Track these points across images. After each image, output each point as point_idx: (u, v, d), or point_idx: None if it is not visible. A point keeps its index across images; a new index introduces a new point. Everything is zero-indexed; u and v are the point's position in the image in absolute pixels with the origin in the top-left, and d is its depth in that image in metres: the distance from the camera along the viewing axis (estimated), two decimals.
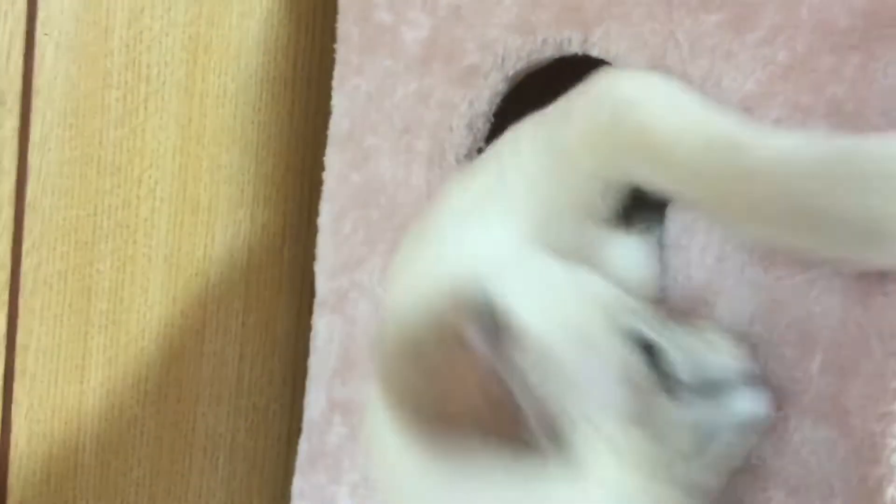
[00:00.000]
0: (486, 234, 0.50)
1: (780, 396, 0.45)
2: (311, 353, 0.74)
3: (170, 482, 0.72)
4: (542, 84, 0.64)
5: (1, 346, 0.61)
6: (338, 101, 0.72)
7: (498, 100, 0.64)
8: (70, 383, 0.65)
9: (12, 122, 0.59)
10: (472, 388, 0.40)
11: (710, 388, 0.43)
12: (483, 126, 0.65)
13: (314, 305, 0.73)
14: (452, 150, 0.66)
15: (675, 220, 0.50)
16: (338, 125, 0.72)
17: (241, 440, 0.76)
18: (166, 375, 0.70)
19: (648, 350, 0.43)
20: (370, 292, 0.70)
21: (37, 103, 0.60)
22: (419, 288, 0.47)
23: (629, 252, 0.50)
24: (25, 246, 0.61)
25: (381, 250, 0.69)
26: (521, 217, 0.50)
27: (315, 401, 0.74)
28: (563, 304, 0.44)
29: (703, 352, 0.44)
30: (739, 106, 0.47)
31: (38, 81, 0.60)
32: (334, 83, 0.73)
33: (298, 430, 0.74)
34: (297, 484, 0.75)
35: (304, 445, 0.74)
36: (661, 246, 0.50)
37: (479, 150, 0.65)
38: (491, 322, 0.41)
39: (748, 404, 0.44)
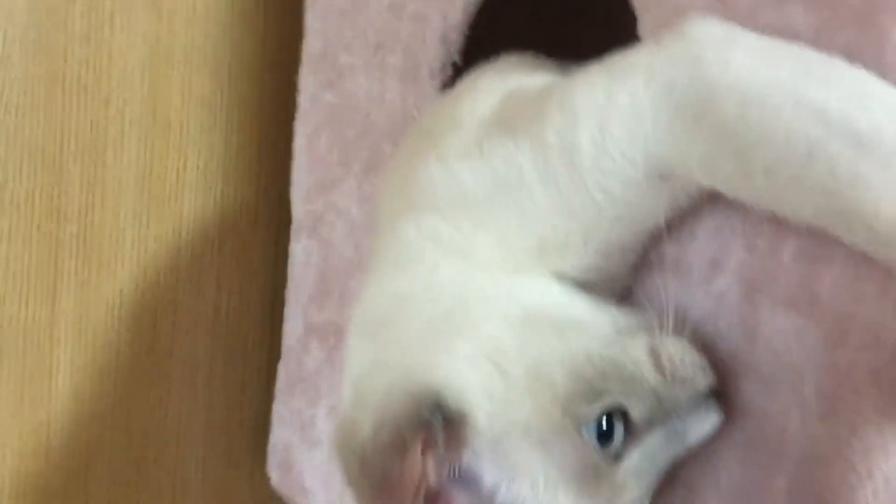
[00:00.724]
0: (467, 274, 0.47)
1: (750, 290, 0.45)
2: (288, 279, 0.74)
3: (147, 407, 0.72)
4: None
5: None
6: (310, 20, 0.72)
7: (472, 10, 0.63)
8: (41, 305, 0.64)
9: None
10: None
11: (670, 418, 0.44)
12: (457, 38, 0.64)
13: (291, 231, 0.73)
14: (426, 65, 0.65)
15: None
16: (310, 44, 0.72)
17: (220, 368, 0.76)
18: (140, 302, 0.70)
19: (607, 417, 0.43)
20: (346, 214, 0.69)
21: None
22: (385, 375, 0.45)
23: None
24: None
25: (357, 171, 0.69)
26: (522, 220, 0.46)
27: (293, 327, 0.74)
28: (516, 403, 0.43)
29: (672, 386, 0.44)
30: None
31: None
32: (307, 2, 0.72)
33: (277, 360, 0.74)
34: (277, 409, 0.75)
35: (282, 371, 0.75)
36: None
37: (454, 64, 0.64)
38: (441, 433, 0.41)
39: (702, 428, 0.44)
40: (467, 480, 0.42)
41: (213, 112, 0.72)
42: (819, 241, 0.42)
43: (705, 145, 0.41)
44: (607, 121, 0.44)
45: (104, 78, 0.65)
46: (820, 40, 0.42)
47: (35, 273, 0.64)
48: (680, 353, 0.44)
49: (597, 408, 0.42)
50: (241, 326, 0.76)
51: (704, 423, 0.44)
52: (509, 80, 0.54)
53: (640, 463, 0.43)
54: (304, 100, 0.72)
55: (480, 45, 0.64)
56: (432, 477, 0.40)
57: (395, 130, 0.66)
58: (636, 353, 0.43)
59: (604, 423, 0.43)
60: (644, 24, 0.50)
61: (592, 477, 0.42)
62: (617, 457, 0.43)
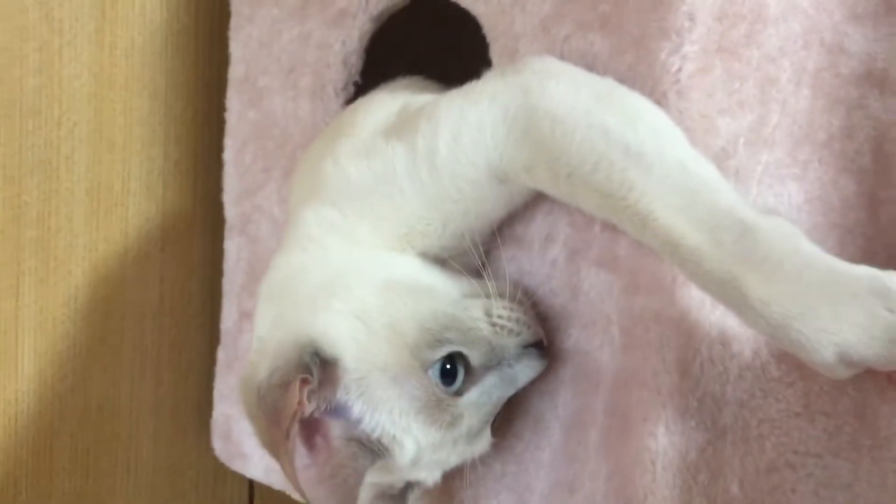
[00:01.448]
0: (349, 251, 0.58)
1: (573, 255, 0.57)
2: (223, 274, 0.84)
3: (102, 388, 0.81)
4: (404, 22, 0.75)
5: None
6: (234, 49, 0.82)
7: (367, 38, 0.74)
8: (6, 300, 0.74)
9: None
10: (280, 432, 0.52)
11: (502, 364, 0.55)
12: (356, 61, 0.75)
13: (224, 230, 0.83)
14: (331, 84, 0.75)
15: None
16: (235, 70, 0.82)
17: (166, 353, 0.85)
18: (93, 295, 0.80)
19: (448, 361, 0.55)
20: (269, 213, 0.80)
21: None
22: (280, 329, 0.57)
23: None
24: None
25: (277, 176, 0.79)
26: (393, 207, 0.57)
27: (228, 313, 0.84)
28: (376, 349, 0.54)
29: (503, 337, 0.55)
30: (539, 25, 0.58)
31: None
32: (230, 33, 0.82)
33: (217, 344, 0.84)
34: (218, 387, 0.85)
35: (221, 353, 0.84)
36: None
37: (355, 83, 0.75)
38: (319, 377, 0.53)
39: (528, 372, 0.56)
40: (339, 411, 0.54)
41: (152, 129, 0.82)
42: None
43: (528, 156, 0.53)
44: (459, 133, 0.55)
45: (56, 103, 0.75)
46: (612, 60, 0.54)
47: (1, 272, 0.74)
48: (508, 312, 0.56)
49: (439, 353, 0.54)
50: (184, 315, 0.86)
51: (530, 368, 0.56)
52: (398, 97, 0.66)
53: (478, 398, 0.55)
54: (231, 117, 0.82)
55: (376, 65, 0.75)
56: (307, 407, 0.52)
57: (308, 141, 0.77)
58: (475, 312, 0.56)
59: (447, 365, 0.55)
60: (494, 49, 0.62)
61: (436, 408, 0.54)
62: (458, 393, 0.55)
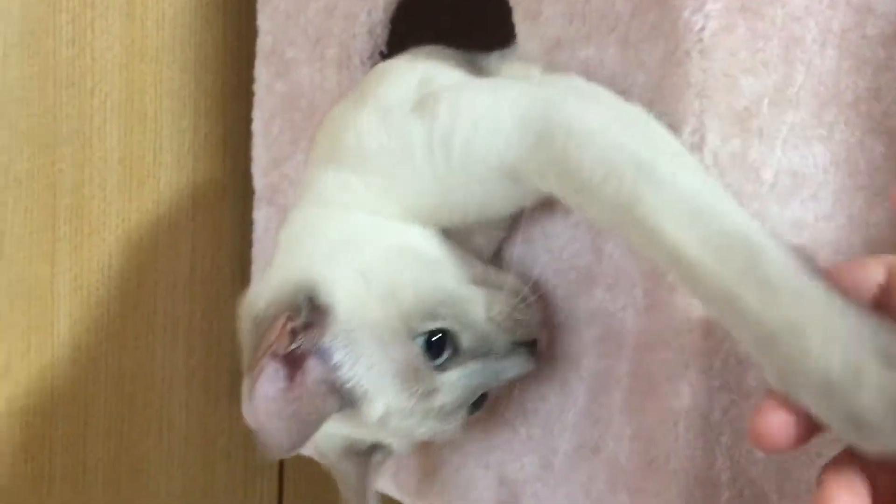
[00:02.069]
0: (353, 200, 0.60)
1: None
2: (253, 244, 0.86)
3: (136, 356, 0.83)
4: None
5: None
6: (262, 21, 0.83)
7: (393, 7, 0.75)
8: (42, 266, 0.76)
9: None
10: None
11: (490, 355, 0.56)
12: (382, 32, 0.75)
13: (253, 201, 0.85)
14: (357, 55, 0.76)
15: None
16: (263, 42, 0.83)
17: (198, 322, 0.87)
18: (126, 264, 0.81)
19: (438, 335, 0.56)
20: (297, 182, 0.81)
21: None
22: (287, 270, 0.58)
23: None
24: None
25: (304, 146, 0.80)
26: (405, 180, 0.58)
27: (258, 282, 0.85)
28: (370, 307, 0.55)
29: (494, 331, 0.56)
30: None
31: None
32: (258, 5, 0.83)
33: None
34: None
35: None
36: None
37: (381, 53, 0.76)
38: (305, 316, 0.54)
39: (514, 370, 0.57)
40: (321, 354, 0.55)
41: (182, 102, 0.84)
42: None
43: (539, 163, 0.53)
44: (477, 127, 0.55)
45: (88, 74, 0.77)
46: (634, 19, 0.54)
47: (36, 239, 0.75)
48: (508, 310, 0.56)
49: (428, 326, 0.56)
50: (214, 284, 0.88)
51: (517, 366, 0.57)
52: (419, 67, 0.66)
53: (457, 380, 0.56)
54: (259, 89, 0.84)
55: (402, 36, 0.76)
56: (286, 341, 0.53)
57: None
58: (475, 300, 0.57)
59: (434, 339, 0.55)
60: (517, 14, 0.62)
61: (413, 376, 0.55)
62: (439, 368, 0.56)
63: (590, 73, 0.56)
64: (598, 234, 0.57)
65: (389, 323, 0.56)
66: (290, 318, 0.54)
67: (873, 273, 0.41)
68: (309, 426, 0.55)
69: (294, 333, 0.54)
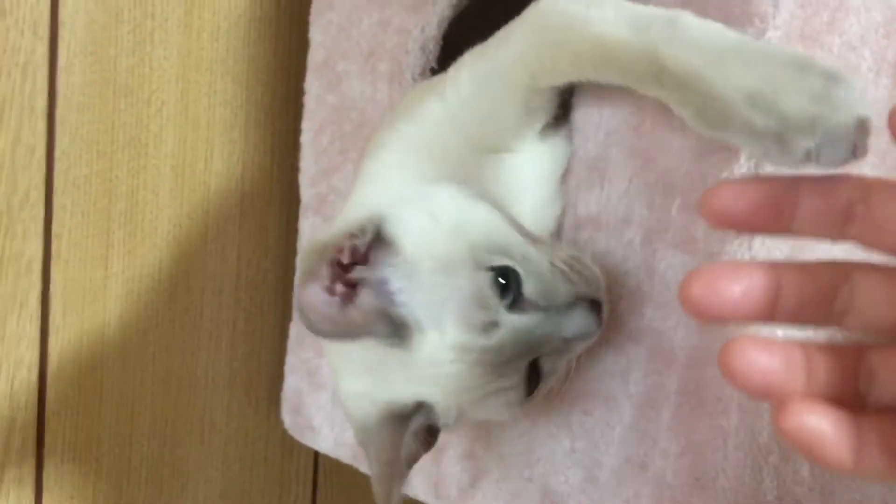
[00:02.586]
0: (408, 174, 0.62)
1: (650, 237, 0.58)
2: (297, 252, 0.87)
3: (182, 358, 0.85)
4: (483, 9, 0.77)
5: (41, 235, 0.74)
6: (314, 34, 0.85)
7: (446, 24, 0.76)
8: (96, 269, 0.78)
9: (43, 49, 0.72)
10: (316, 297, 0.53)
11: (554, 306, 0.55)
12: (434, 48, 0.77)
13: (300, 210, 0.86)
14: (409, 70, 0.78)
15: (575, 109, 0.62)
16: (315, 54, 0.85)
17: (241, 327, 0.89)
18: (176, 268, 0.83)
19: (503, 275, 0.55)
20: (345, 194, 0.82)
21: (63, 33, 0.73)
22: (361, 209, 0.59)
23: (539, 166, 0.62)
24: (57, 153, 0.74)
25: (353, 158, 0.82)
26: (447, 152, 0.61)
27: None
28: (438, 240, 0.56)
29: (559, 280, 0.55)
30: None
31: (63, 15, 0.73)
32: (311, 18, 0.85)
33: (289, 320, 0.87)
34: (289, 361, 0.88)
35: (293, 328, 0.87)
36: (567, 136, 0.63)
37: (432, 69, 0.78)
38: (370, 239, 0.55)
39: (580, 323, 0.55)
40: (380, 283, 0.55)
41: (234, 112, 0.86)
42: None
43: (550, 48, 0.56)
44: (488, 55, 0.61)
45: (146, 83, 0.79)
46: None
47: (92, 242, 0.77)
48: (572, 261, 0.56)
49: (497, 261, 0.55)
50: (259, 291, 0.89)
51: (581, 321, 0.55)
52: None
53: (518, 325, 0.54)
54: (309, 101, 0.85)
55: (452, 52, 0.77)
56: (345, 254, 0.54)
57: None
58: (537, 248, 0.56)
59: (500, 279, 0.54)
60: None
61: (476, 306, 0.54)
62: (503, 305, 0.54)
63: (646, 95, 0.57)
64: (651, 252, 0.58)
65: (457, 255, 0.55)
66: (354, 236, 0.55)
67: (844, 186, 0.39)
68: (351, 337, 0.55)
69: (355, 252, 0.55)
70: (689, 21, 0.50)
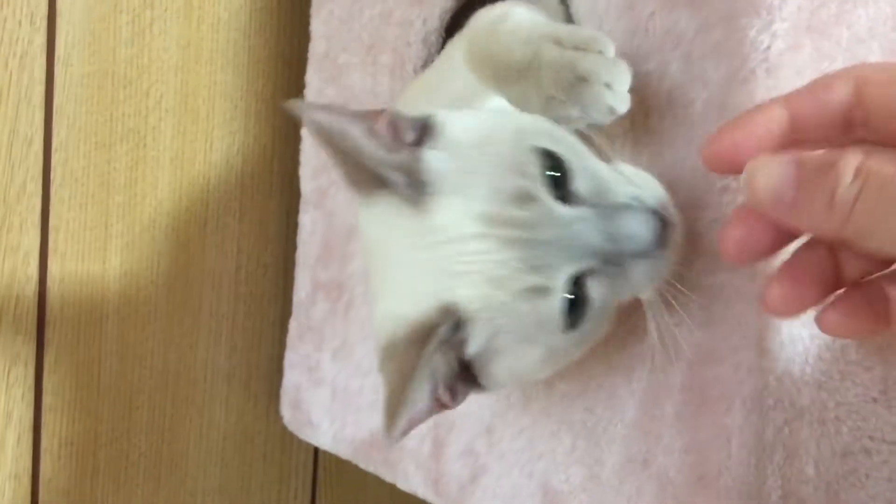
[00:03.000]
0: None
1: None
2: (297, 245, 0.87)
3: (180, 352, 0.84)
4: (483, 1, 0.76)
5: (38, 228, 0.73)
6: (315, 26, 0.84)
7: (448, 16, 0.75)
8: (94, 262, 0.77)
9: (40, 39, 0.71)
10: None
11: (605, 205, 0.47)
12: (436, 40, 0.76)
13: (300, 204, 0.85)
14: (411, 62, 0.77)
15: None
16: (316, 46, 0.84)
17: (241, 321, 0.88)
18: (175, 262, 0.82)
19: (553, 163, 0.48)
20: (345, 188, 0.82)
21: (60, 24, 0.72)
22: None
23: None
24: (54, 144, 0.73)
25: None
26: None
27: (301, 285, 0.86)
28: (483, 131, 0.51)
29: (616, 182, 0.49)
30: (624, 3, 0.58)
31: (61, 5, 0.72)
32: (312, 10, 0.84)
33: (289, 314, 0.86)
34: (288, 357, 0.87)
35: (293, 324, 0.87)
36: None
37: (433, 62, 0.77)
38: (418, 124, 0.51)
39: (634, 228, 0.47)
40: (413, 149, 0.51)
41: (234, 104, 0.85)
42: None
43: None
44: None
45: (145, 74, 0.78)
46: (699, 36, 0.54)
47: (90, 235, 0.77)
48: (635, 174, 0.49)
49: (543, 141, 0.48)
50: (258, 286, 0.89)
51: (636, 228, 0.46)
52: None
53: (559, 212, 0.47)
54: (310, 93, 0.84)
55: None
56: (387, 132, 0.51)
57: None
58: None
59: (546, 171, 0.47)
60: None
61: (514, 173, 0.48)
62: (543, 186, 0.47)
63: (650, 87, 0.56)
64: None
65: (503, 134, 0.50)
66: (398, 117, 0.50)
67: (838, 92, 0.43)
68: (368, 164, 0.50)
69: (395, 129, 0.50)
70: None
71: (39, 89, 0.71)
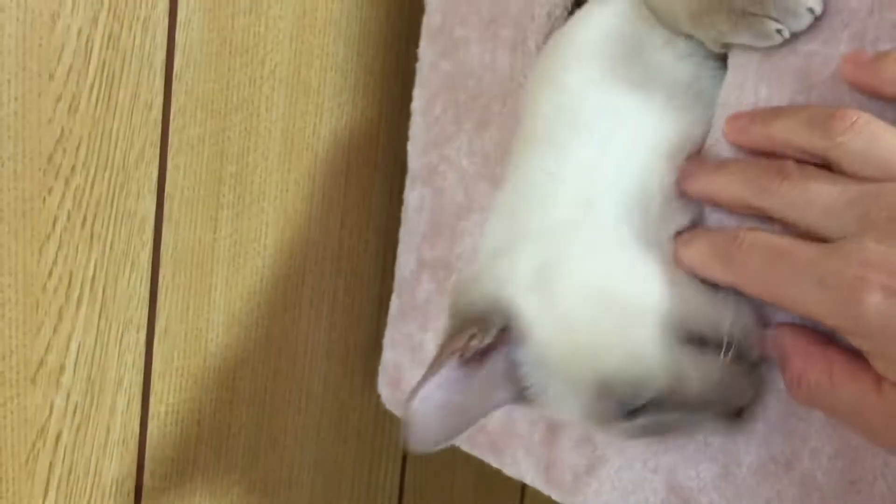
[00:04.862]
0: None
1: None
2: (402, 223, 0.85)
3: (283, 326, 0.84)
4: None
5: (154, 195, 0.73)
6: None
7: None
8: (205, 231, 0.76)
9: (163, 4, 0.70)
10: None
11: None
12: (560, 14, 0.73)
13: (406, 181, 0.84)
14: (533, 37, 0.74)
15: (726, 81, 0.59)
16: (431, 19, 0.82)
17: (342, 297, 0.87)
18: (280, 234, 0.82)
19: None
20: (457, 165, 0.80)
21: None
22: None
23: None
24: (173, 110, 0.72)
25: (468, 128, 0.79)
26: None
27: (405, 262, 0.84)
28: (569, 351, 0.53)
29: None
30: None
31: None
32: None
33: (389, 293, 0.85)
34: (389, 335, 0.86)
35: (395, 301, 0.85)
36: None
37: None
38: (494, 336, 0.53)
39: (712, 429, 0.55)
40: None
41: (344, 76, 0.84)
42: None
43: None
44: None
45: (261, 43, 0.77)
46: None
47: (203, 204, 0.76)
48: (726, 380, 0.51)
49: (629, 404, 0.51)
50: (360, 261, 0.88)
51: (713, 430, 0.55)
52: None
53: (643, 423, 0.53)
54: (422, 67, 0.82)
55: None
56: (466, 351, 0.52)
57: (504, 93, 0.76)
58: (688, 364, 0.51)
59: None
60: None
61: (597, 419, 0.53)
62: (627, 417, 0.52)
63: (811, 70, 0.53)
64: None
65: (584, 375, 0.52)
66: (473, 336, 0.52)
67: None
68: (467, 420, 0.53)
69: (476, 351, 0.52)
70: None
71: (160, 55, 0.71)
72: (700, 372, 0.51)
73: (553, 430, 0.69)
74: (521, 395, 0.54)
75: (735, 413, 0.53)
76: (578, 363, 0.52)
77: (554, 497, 0.71)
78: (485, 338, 0.52)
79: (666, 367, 0.50)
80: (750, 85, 0.56)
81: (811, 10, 0.51)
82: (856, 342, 0.44)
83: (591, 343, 0.52)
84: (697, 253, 0.51)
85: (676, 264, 0.52)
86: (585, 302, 0.53)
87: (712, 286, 0.52)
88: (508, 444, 0.73)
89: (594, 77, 0.58)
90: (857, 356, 0.46)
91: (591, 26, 0.62)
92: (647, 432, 0.53)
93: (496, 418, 0.75)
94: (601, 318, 0.52)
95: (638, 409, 0.52)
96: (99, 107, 0.69)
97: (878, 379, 0.43)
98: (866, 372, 0.44)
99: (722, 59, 0.57)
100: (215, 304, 0.79)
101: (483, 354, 0.53)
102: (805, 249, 0.45)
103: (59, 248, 0.68)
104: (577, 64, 0.60)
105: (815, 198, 0.45)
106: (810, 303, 0.44)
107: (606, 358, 0.51)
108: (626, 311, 0.52)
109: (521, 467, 0.72)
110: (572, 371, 0.52)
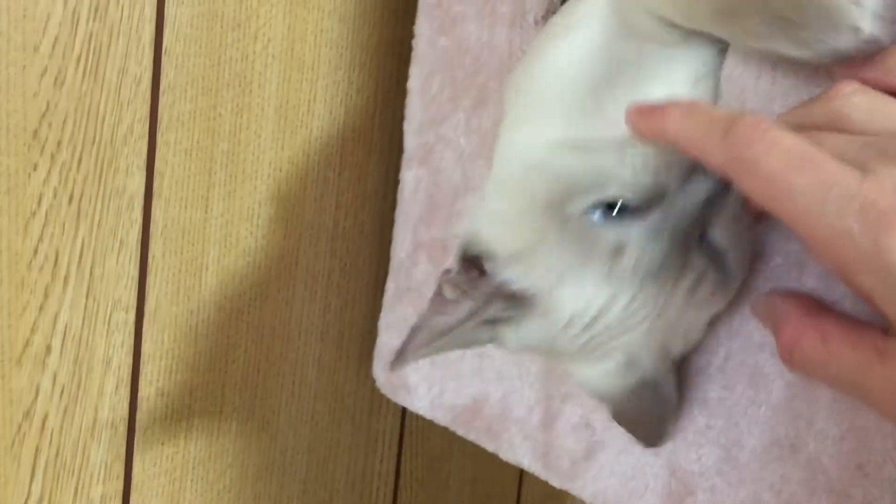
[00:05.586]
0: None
1: None
2: (398, 204, 0.83)
3: (276, 307, 0.82)
4: None
5: (143, 172, 0.71)
6: None
7: None
8: (196, 210, 0.75)
9: None
10: None
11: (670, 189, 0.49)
12: None
13: (402, 160, 0.82)
14: (532, 12, 0.73)
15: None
16: None
17: (336, 279, 0.85)
18: (274, 214, 0.80)
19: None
20: (455, 144, 0.78)
21: None
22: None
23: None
24: (162, 86, 0.70)
25: (466, 106, 0.77)
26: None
27: (401, 243, 0.83)
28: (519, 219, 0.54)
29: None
30: None
31: None
32: None
33: (385, 274, 0.83)
34: (385, 317, 0.85)
35: (391, 284, 0.84)
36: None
37: (555, 12, 0.72)
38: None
39: (699, 186, 0.48)
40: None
41: (339, 53, 0.82)
42: None
43: None
44: None
45: (254, 17, 0.75)
46: None
47: (193, 181, 0.74)
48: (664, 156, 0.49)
49: (578, 202, 0.50)
50: (355, 243, 0.86)
51: (701, 184, 0.48)
52: None
53: (640, 233, 0.49)
54: (419, 44, 0.80)
55: None
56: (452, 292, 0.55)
57: (503, 70, 0.75)
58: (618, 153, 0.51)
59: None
60: None
61: (590, 249, 0.50)
62: (612, 223, 0.49)
63: None
64: None
65: (542, 223, 0.52)
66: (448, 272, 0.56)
67: None
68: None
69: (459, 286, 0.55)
70: None
71: (149, 28, 0.69)
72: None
73: (551, 414, 0.68)
74: (513, 305, 0.54)
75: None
76: (532, 218, 0.53)
77: (552, 482, 0.69)
78: (462, 272, 0.55)
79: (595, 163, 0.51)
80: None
81: (857, 30, 0.43)
82: (867, 283, 0.39)
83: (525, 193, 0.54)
84: (693, 128, 0.45)
85: (656, 132, 0.46)
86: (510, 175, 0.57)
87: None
88: (505, 429, 0.72)
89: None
90: (854, 324, 0.43)
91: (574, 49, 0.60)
92: (660, 242, 0.49)
93: (493, 402, 0.73)
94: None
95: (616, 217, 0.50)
96: (86, 81, 0.67)
97: (880, 347, 0.41)
98: (867, 340, 0.42)
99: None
100: (206, 284, 0.77)
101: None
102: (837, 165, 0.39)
103: (45, 225, 0.67)
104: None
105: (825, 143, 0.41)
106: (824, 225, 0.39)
107: (542, 189, 0.53)
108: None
109: (518, 452, 0.71)
110: (531, 227, 0.53)
